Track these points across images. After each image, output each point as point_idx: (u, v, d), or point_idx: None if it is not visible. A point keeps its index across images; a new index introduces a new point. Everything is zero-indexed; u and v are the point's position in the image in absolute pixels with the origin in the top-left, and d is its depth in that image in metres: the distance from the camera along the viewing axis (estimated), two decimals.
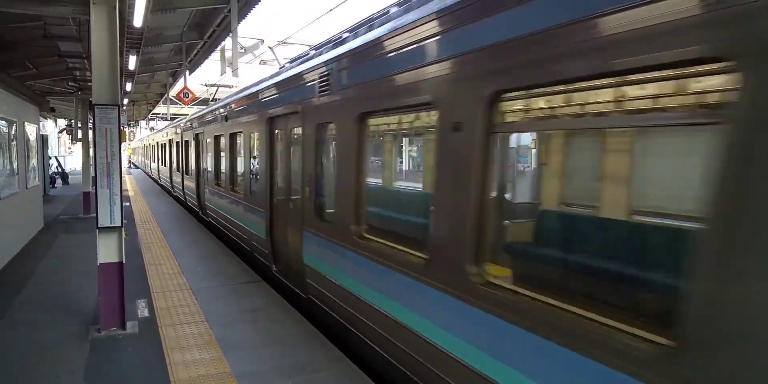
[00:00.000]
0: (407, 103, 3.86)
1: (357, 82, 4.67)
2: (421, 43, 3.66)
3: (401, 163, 4.98)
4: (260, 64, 21.86)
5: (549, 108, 2.99)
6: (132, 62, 10.88)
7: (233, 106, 10.08)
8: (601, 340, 2.35)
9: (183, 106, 22.43)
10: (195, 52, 14.21)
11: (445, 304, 3.42)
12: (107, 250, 5.41)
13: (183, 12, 10.12)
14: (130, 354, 4.92)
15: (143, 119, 41.99)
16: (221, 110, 11.22)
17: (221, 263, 8.64)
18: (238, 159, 9.78)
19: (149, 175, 33.31)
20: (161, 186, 24.67)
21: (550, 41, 2.59)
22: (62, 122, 31.15)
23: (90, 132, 15.40)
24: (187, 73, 16.00)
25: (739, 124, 1.87)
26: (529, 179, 3.39)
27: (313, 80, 5.70)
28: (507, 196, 3.41)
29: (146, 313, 6.04)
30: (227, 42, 13.22)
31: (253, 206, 8.37)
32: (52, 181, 23.35)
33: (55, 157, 28.74)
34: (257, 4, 9.97)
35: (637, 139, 2.64)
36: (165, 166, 22.92)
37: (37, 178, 12.50)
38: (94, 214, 5.40)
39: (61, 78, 13.33)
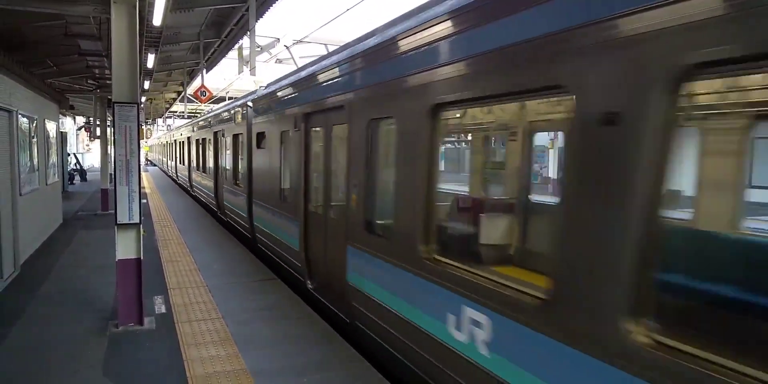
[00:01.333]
0: None
1: None
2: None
3: None
4: (276, 62, 21.95)
5: None
6: (150, 60, 10.98)
7: None
8: None
9: (200, 103, 22.60)
10: (212, 50, 14.32)
11: None
12: (125, 247, 5.47)
13: (201, 11, 10.20)
14: (148, 349, 4.97)
15: (160, 117, 42.43)
16: None
17: (237, 261, 8.70)
18: None
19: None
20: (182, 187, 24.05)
21: None
22: (81, 120, 31.62)
23: (108, 129, 15.60)
24: (204, 71, 16.12)
25: None
26: None
27: None
28: None
29: (163, 309, 6.10)
30: (244, 40, 13.30)
31: None
32: (71, 178, 23.71)
33: (74, 154, 29.13)
34: (275, 2, 10.01)
35: None
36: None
37: (56, 175, 12.67)
38: (112, 211, 5.46)
39: (81, 76, 13.51)
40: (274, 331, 5.47)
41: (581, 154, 2.55)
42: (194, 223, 12.88)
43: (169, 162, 30.54)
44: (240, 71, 15.56)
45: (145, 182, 25.43)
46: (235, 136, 11.19)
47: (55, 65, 11.68)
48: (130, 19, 5.36)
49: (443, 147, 4.31)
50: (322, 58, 6.64)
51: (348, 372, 4.51)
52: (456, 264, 3.61)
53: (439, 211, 4.08)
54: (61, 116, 16.34)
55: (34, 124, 9.64)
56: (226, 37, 12.75)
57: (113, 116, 5.33)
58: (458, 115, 4.35)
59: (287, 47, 19.67)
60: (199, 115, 21.24)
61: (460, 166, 6.17)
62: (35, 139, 9.75)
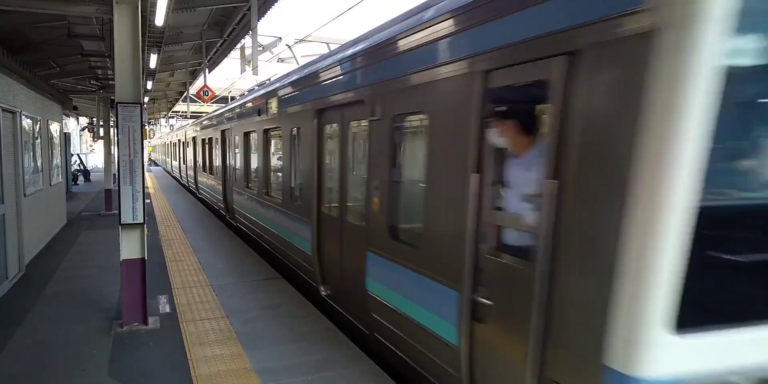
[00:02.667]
0: None
1: None
2: None
3: None
4: (278, 62, 21.95)
5: None
6: (153, 61, 11.01)
7: None
8: None
9: (202, 103, 22.65)
10: (214, 50, 14.33)
11: None
12: (130, 247, 5.48)
13: (203, 10, 10.21)
14: (152, 349, 4.99)
15: (163, 117, 42.52)
16: None
17: (240, 260, 8.71)
18: None
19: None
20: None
21: None
22: (84, 120, 31.69)
23: (111, 130, 15.65)
24: (207, 71, 16.14)
25: None
26: None
27: None
28: None
29: (167, 309, 6.11)
30: (246, 40, 13.31)
31: None
32: (75, 179, 23.72)
33: (77, 154, 29.20)
34: (277, 1, 10.01)
35: None
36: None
37: (60, 176, 12.70)
38: (116, 211, 5.47)
39: (84, 77, 13.55)
40: (279, 329, 5.48)
41: None
42: (198, 223, 12.90)
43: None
44: (242, 71, 15.60)
45: (148, 182, 25.47)
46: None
47: (59, 66, 11.72)
48: (133, 20, 5.35)
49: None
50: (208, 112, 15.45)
51: (353, 370, 4.52)
52: None
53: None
54: (64, 117, 16.37)
55: (38, 125, 9.66)
56: (228, 36, 12.75)
57: (116, 117, 5.33)
58: None
59: (289, 46, 19.66)
60: (203, 115, 21.21)
61: None
62: (39, 140, 9.78)
